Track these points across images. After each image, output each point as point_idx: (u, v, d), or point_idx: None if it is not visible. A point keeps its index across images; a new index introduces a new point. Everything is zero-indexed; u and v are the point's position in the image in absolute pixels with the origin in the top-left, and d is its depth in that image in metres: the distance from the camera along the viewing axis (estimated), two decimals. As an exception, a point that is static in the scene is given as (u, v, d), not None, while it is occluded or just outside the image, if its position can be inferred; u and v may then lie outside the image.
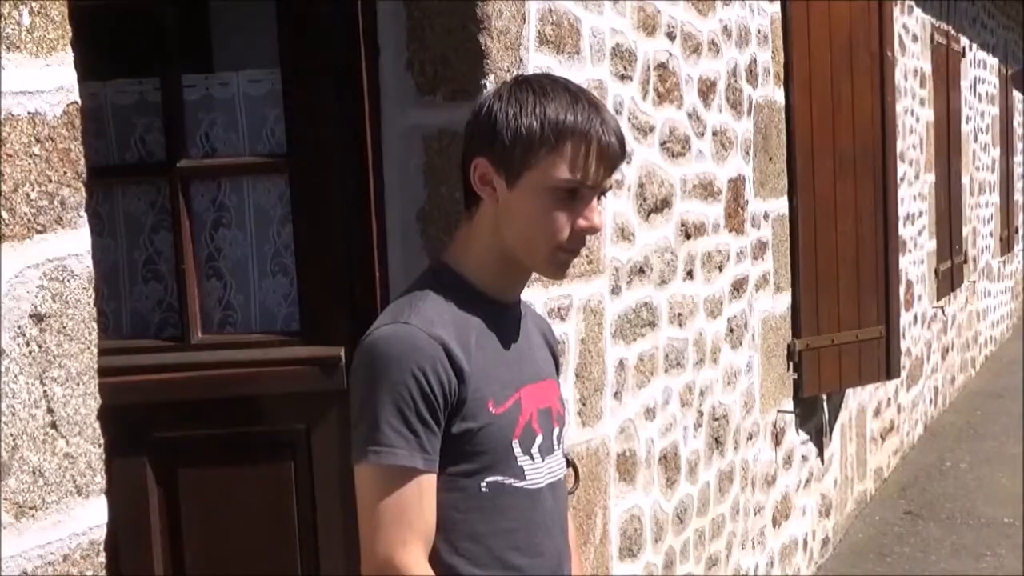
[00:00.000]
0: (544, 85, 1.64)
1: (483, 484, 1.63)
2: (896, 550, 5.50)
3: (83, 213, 1.43)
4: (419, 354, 1.56)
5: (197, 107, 2.78)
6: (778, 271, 4.70)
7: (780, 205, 4.71)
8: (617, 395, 3.28)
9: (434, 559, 1.61)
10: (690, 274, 3.82)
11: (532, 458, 1.68)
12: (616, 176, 1.65)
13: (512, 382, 1.67)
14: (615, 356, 3.26)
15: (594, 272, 3.09)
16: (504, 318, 1.72)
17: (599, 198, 1.65)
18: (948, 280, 8.31)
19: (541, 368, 1.77)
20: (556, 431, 1.75)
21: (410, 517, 1.56)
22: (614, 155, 1.62)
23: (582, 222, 1.62)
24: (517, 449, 1.65)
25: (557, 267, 1.67)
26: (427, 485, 1.58)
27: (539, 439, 1.69)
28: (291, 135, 2.70)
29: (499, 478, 1.64)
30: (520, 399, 1.67)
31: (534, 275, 1.85)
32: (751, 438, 4.42)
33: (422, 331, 1.58)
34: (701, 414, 3.93)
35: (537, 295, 2.72)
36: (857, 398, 6.02)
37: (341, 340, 2.60)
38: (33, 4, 1.36)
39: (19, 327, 1.33)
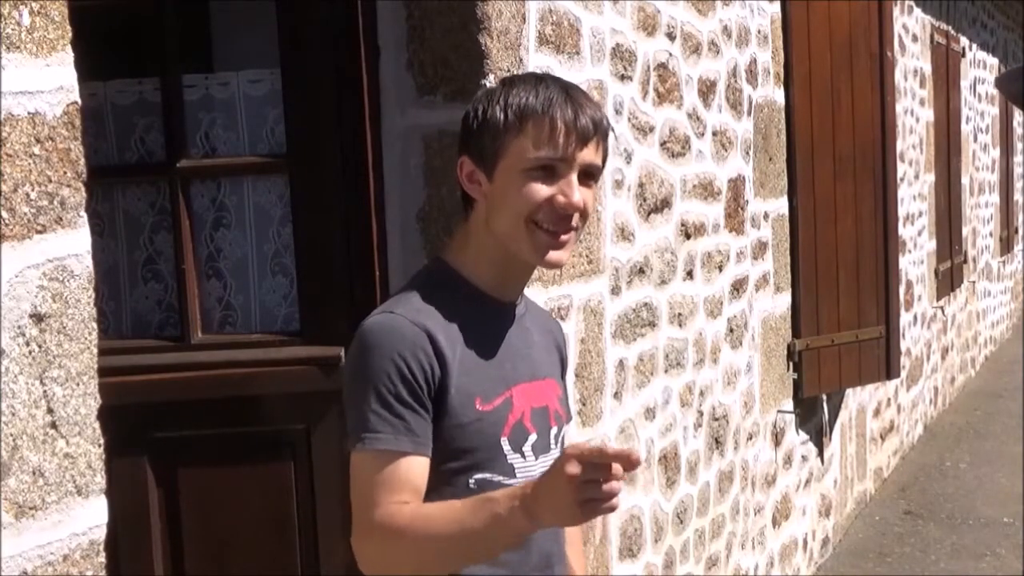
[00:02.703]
0: (515, 79, 1.68)
1: (471, 481, 1.63)
2: (896, 550, 5.50)
3: (83, 213, 1.43)
4: (400, 340, 1.58)
5: (197, 107, 2.78)
6: (778, 271, 4.70)
7: (780, 205, 4.71)
8: (617, 395, 3.28)
9: None
10: (690, 274, 3.82)
11: (524, 456, 1.68)
12: (596, 154, 1.64)
13: (503, 380, 1.67)
14: (615, 356, 3.26)
15: (594, 272, 3.09)
16: (501, 317, 1.72)
17: (587, 182, 1.64)
18: (948, 280, 8.31)
19: (539, 367, 1.77)
20: (554, 430, 1.74)
21: (401, 486, 1.56)
22: (583, 129, 1.61)
23: (560, 198, 1.61)
24: (506, 447, 1.65)
25: (541, 248, 1.63)
26: (416, 464, 1.58)
27: (532, 437, 1.69)
28: (291, 135, 2.70)
29: (487, 475, 1.64)
30: (511, 397, 1.67)
31: (534, 275, 1.85)
32: (751, 438, 4.42)
33: (406, 319, 1.60)
34: (701, 414, 3.93)
35: (537, 295, 2.72)
36: (857, 398, 6.02)
37: (341, 340, 2.60)
38: (33, 4, 1.36)
39: (19, 327, 1.33)
